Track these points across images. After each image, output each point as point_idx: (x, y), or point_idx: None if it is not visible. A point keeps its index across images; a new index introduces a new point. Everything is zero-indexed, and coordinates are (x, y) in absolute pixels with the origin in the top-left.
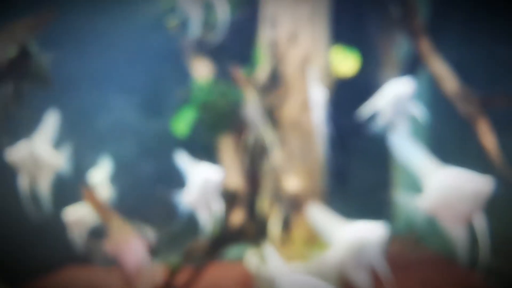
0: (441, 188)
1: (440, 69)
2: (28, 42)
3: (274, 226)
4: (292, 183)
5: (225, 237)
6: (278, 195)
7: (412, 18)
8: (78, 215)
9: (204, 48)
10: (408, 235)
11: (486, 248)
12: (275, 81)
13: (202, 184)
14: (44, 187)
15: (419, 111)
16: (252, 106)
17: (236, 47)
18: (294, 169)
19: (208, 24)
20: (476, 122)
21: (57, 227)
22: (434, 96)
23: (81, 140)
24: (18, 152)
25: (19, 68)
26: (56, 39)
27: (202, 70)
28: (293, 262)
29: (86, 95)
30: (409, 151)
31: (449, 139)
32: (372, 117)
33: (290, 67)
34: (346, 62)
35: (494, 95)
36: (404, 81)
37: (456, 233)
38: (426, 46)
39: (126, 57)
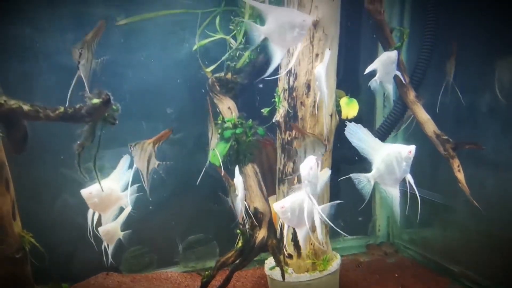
0: (384, 159)
1: (423, 115)
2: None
3: (288, 242)
4: None
5: (252, 250)
6: None
7: (401, 73)
8: (108, 228)
9: (231, 87)
10: (389, 245)
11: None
12: (292, 120)
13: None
14: (107, 220)
15: (399, 74)
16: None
17: (259, 88)
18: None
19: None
20: (451, 161)
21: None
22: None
23: None
24: (91, 191)
25: (99, 114)
26: None
27: (228, 107)
28: (303, 273)
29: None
30: (360, 136)
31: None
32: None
33: (305, 110)
34: (349, 107)
35: (464, 141)
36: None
37: (394, 193)
38: (411, 96)
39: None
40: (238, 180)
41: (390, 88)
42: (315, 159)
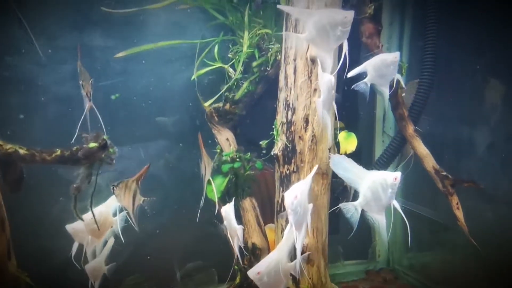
0: (370, 187)
1: (422, 150)
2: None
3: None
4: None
5: (250, 287)
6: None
7: (400, 107)
8: (94, 265)
9: (230, 118)
10: (388, 271)
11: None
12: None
13: None
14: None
15: (399, 78)
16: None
17: (257, 119)
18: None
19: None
20: (449, 197)
21: None
22: None
23: None
24: (76, 226)
25: (95, 157)
26: None
27: (227, 138)
28: None
29: None
30: (345, 165)
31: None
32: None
33: (303, 144)
34: (348, 142)
35: (463, 179)
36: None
37: (380, 219)
38: (411, 131)
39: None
40: (225, 210)
41: (386, 92)
42: (298, 187)
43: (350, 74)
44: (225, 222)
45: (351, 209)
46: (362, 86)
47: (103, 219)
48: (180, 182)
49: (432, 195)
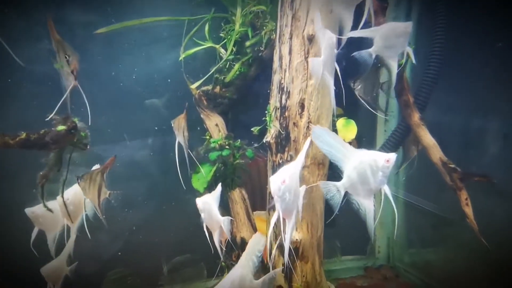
0: (356, 167)
1: (428, 140)
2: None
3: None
4: (296, 234)
5: None
6: (282, 245)
7: (405, 93)
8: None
9: (219, 102)
10: (389, 268)
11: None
12: (284, 141)
13: None
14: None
15: (409, 51)
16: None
17: (250, 104)
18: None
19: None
20: (458, 192)
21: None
22: None
23: None
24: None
25: (65, 142)
26: None
27: (216, 124)
28: None
29: None
30: (328, 140)
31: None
32: (364, 42)
33: (298, 131)
34: (347, 130)
35: (472, 173)
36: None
37: (367, 205)
38: (416, 119)
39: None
40: (202, 201)
41: (393, 66)
42: (287, 170)
43: (350, 34)
44: (202, 215)
45: (332, 190)
46: (365, 56)
47: (77, 201)
48: (166, 171)
49: (437, 189)
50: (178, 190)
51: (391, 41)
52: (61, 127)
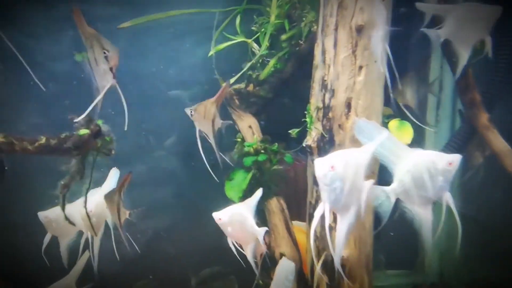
0: (410, 170)
1: (500, 145)
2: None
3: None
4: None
5: None
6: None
7: (471, 90)
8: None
9: (253, 102)
10: (439, 283)
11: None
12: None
13: None
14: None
15: (488, 41)
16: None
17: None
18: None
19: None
20: None
21: None
22: None
23: None
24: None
25: (87, 147)
26: None
27: (249, 126)
28: None
29: None
30: (375, 136)
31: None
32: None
33: (343, 134)
34: (402, 132)
35: None
36: None
37: (424, 215)
38: (484, 121)
39: None
40: (224, 216)
41: (463, 56)
42: (341, 155)
43: (418, 6)
44: (229, 229)
45: (381, 196)
46: (432, 36)
47: (100, 212)
48: (197, 175)
49: (503, 200)
50: (208, 196)
51: (467, 26)
52: (83, 131)
